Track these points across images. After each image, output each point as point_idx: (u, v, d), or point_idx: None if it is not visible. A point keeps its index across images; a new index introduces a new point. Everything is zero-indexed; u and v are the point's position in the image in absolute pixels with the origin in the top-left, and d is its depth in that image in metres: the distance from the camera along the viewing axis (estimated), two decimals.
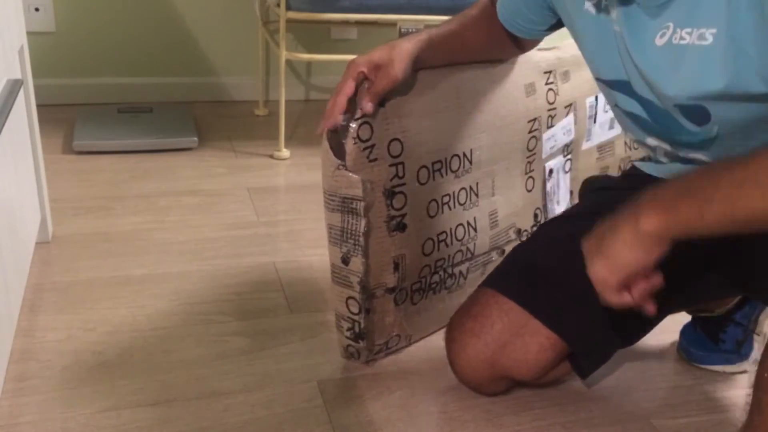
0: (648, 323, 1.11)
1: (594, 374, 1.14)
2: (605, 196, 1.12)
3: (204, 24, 2.41)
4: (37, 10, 2.22)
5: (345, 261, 1.08)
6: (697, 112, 0.90)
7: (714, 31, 0.80)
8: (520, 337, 1.07)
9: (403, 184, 1.12)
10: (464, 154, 1.21)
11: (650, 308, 0.87)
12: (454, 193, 1.21)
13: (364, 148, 1.05)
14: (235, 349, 1.25)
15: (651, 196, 0.80)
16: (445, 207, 1.20)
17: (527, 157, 1.35)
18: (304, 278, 1.48)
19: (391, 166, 1.09)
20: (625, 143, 1.56)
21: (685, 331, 1.30)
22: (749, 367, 1.26)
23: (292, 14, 1.94)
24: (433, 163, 1.15)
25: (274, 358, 1.23)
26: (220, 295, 1.40)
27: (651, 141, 1.04)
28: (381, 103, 1.06)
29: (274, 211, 1.77)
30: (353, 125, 1.04)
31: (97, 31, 2.31)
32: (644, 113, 0.98)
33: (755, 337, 1.26)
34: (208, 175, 1.94)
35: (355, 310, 1.13)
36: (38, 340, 1.23)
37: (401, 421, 1.10)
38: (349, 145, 1.04)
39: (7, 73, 1.20)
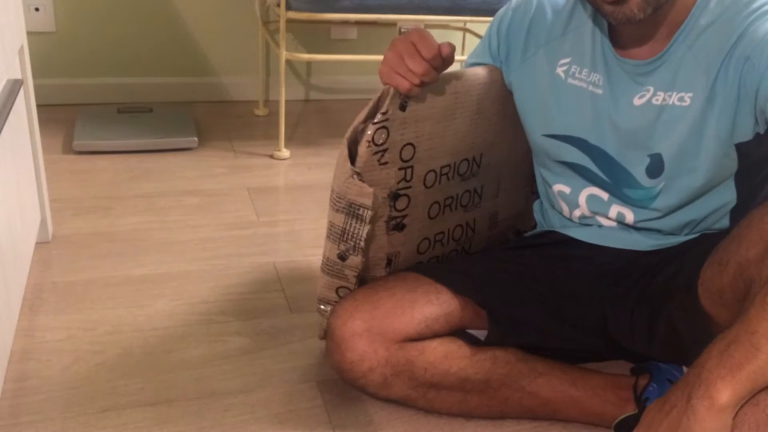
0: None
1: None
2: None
3: (204, 24, 2.41)
4: (37, 10, 2.22)
5: (342, 258, 1.08)
6: (655, 163, 1.04)
7: (691, 95, 0.99)
8: (411, 291, 1.08)
9: (409, 187, 1.11)
10: (473, 159, 1.19)
11: None
12: (457, 195, 1.20)
13: (376, 152, 1.03)
14: (235, 349, 1.25)
15: (715, 363, 0.79)
16: (447, 209, 1.19)
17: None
18: (304, 278, 1.48)
19: (400, 169, 1.08)
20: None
21: None
22: None
23: (292, 14, 1.94)
24: (441, 167, 1.13)
25: (274, 358, 1.23)
26: (220, 294, 1.40)
27: (586, 192, 1.13)
28: (402, 107, 1.04)
29: (274, 211, 1.77)
30: (369, 131, 1.01)
31: (97, 31, 2.31)
32: (593, 165, 1.10)
33: None
34: (208, 175, 1.94)
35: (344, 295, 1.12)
36: (38, 340, 1.23)
37: (401, 421, 1.10)
38: (362, 147, 1.02)
39: (7, 73, 1.20)
